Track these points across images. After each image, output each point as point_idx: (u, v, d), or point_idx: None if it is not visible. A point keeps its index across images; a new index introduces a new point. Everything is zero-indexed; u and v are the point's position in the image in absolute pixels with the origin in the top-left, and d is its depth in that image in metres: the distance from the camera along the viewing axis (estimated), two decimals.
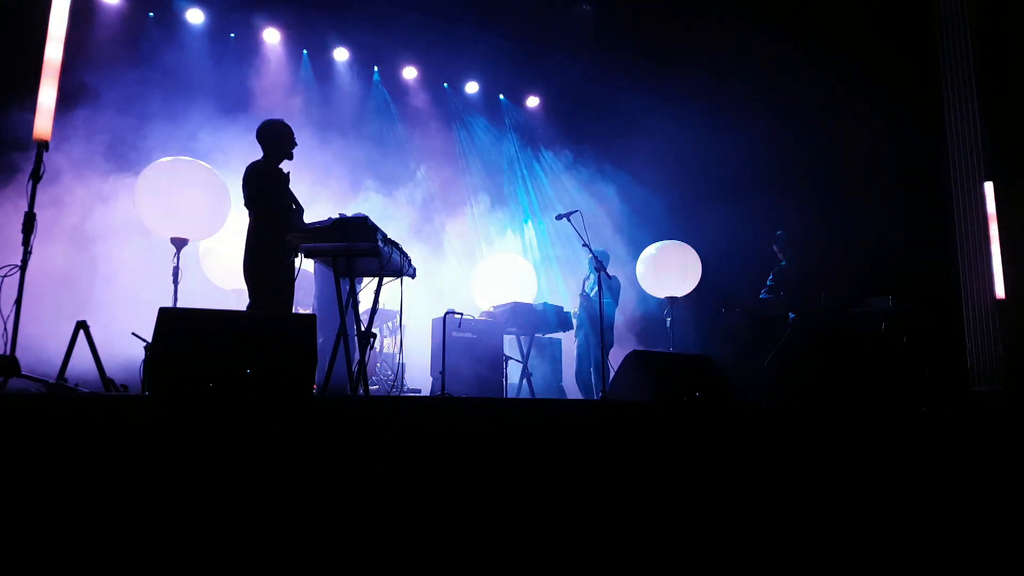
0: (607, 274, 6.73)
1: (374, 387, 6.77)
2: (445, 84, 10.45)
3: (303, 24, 9.27)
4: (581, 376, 7.58)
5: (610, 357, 7.02)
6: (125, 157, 7.33)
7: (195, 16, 8.66)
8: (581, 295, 7.69)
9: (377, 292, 5.15)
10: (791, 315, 7.39)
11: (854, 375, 4.91)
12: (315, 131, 8.44)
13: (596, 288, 7.43)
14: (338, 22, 9.33)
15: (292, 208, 5.04)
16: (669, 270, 7.80)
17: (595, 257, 6.66)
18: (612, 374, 5.98)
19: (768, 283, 7.55)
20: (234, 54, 8.90)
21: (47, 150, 4.22)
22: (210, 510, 2.52)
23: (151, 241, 6.61)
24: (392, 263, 4.85)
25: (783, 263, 7.56)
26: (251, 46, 9.07)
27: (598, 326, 7.18)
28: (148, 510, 2.45)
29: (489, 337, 6.84)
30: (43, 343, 5.15)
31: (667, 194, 9.28)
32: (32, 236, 4.05)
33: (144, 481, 2.49)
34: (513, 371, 7.12)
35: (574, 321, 7.68)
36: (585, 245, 6.59)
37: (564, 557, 2.98)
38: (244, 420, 2.74)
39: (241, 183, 4.94)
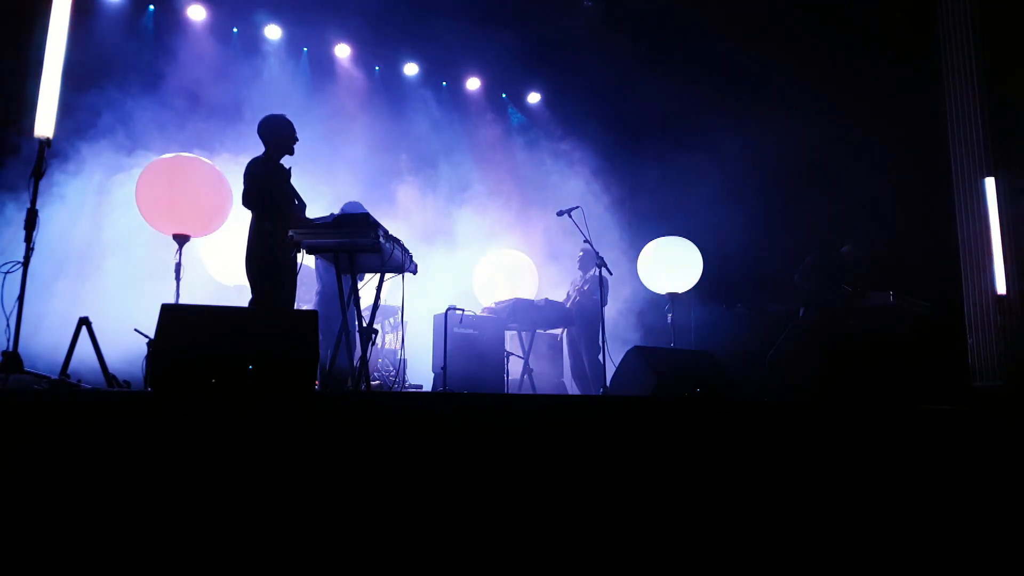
0: (608, 270, 6.72)
1: (375, 383, 6.78)
2: (444, 83, 10.44)
3: (304, 21, 9.26)
4: (577, 372, 7.60)
5: (601, 354, 7.03)
6: (126, 153, 7.33)
7: (196, 12, 8.66)
8: (578, 291, 7.65)
9: (379, 288, 5.15)
10: (801, 311, 7.38)
11: (855, 371, 4.92)
12: (314, 128, 8.43)
13: (588, 285, 7.43)
14: (339, 19, 9.32)
15: (294, 204, 5.05)
16: (670, 265, 7.80)
17: (596, 253, 6.66)
18: (609, 370, 6.01)
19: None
20: (235, 50, 8.91)
21: (49, 147, 4.23)
22: (213, 506, 2.53)
23: (153, 237, 6.61)
24: (394, 259, 4.85)
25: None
26: (252, 43, 9.08)
27: (590, 323, 7.20)
28: (151, 506, 2.46)
29: (490, 333, 6.84)
30: (46, 339, 5.16)
31: (667, 190, 9.26)
32: (34, 232, 4.05)
33: (147, 477, 2.50)
34: (514, 367, 7.13)
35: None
36: (587, 241, 6.59)
37: (566, 550, 2.99)
38: (246, 416, 2.75)
39: (242, 179, 4.94)
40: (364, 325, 4.92)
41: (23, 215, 4.07)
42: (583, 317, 7.42)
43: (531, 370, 7.12)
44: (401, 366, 6.55)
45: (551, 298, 7.54)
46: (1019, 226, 7.67)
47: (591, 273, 7.37)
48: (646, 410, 3.72)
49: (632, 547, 3.13)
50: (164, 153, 6.41)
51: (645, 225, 9.08)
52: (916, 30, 8.54)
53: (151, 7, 8.47)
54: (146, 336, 4.52)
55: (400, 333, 7.04)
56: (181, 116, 7.87)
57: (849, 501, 3.62)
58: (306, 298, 6.74)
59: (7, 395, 2.89)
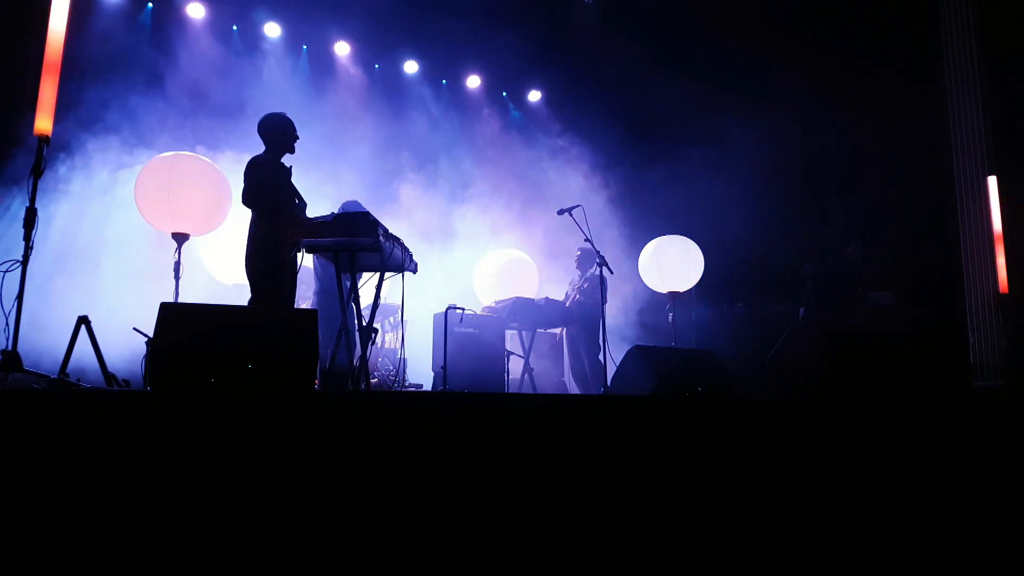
0: (610, 269, 6.71)
1: (375, 382, 6.77)
2: (444, 81, 10.43)
3: (303, 19, 9.25)
4: (577, 371, 7.59)
5: (601, 353, 7.02)
6: (125, 152, 7.32)
7: (195, 10, 8.65)
8: (579, 290, 7.64)
9: (378, 287, 5.14)
10: (802, 310, 7.37)
11: (855, 371, 4.91)
12: (314, 126, 8.40)
13: (588, 284, 7.41)
14: (338, 17, 9.31)
15: (294, 202, 5.03)
16: (671, 265, 7.79)
17: (597, 252, 6.65)
18: (610, 369, 6.00)
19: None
20: (235, 48, 8.90)
21: (48, 145, 4.22)
22: (212, 506, 2.52)
23: (152, 236, 6.60)
24: (393, 258, 4.84)
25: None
26: (252, 41, 9.08)
27: (590, 322, 7.19)
28: (150, 506, 2.45)
29: (491, 332, 6.83)
30: (45, 338, 5.15)
31: (669, 188, 9.25)
32: (33, 231, 4.05)
33: (146, 477, 2.49)
34: (515, 366, 7.12)
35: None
36: (587, 239, 6.57)
37: (567, 550, 2.98)
38: (246, 415, 2.74)
39: (243, 177, 4.92)
40: (364, 324, 4.91)
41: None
42: (583, 316, 7.41)
43: (532, 369, 7.11)
44: (401, 365, 6.55)
45: (551, 297, 7.53)
46: (1021, 224, 7.66)
47: (592, 272, 7.36)
48: (646, 410, 3.71)
49: (633, 547, 3.12)
50: (165, 151, 6.40)
51: (646, 224, 9.07)
52: (918, 30, 8.53)
53: (149, 5, 8.46)
54: (145, 335, 4.52)
55: (400, 332, 7.03)
56: (183, 114, 7.86)
57: (849, 501, 3.62)
58: (306, 296, 6.74)
59: (6, 394, 2.89)
